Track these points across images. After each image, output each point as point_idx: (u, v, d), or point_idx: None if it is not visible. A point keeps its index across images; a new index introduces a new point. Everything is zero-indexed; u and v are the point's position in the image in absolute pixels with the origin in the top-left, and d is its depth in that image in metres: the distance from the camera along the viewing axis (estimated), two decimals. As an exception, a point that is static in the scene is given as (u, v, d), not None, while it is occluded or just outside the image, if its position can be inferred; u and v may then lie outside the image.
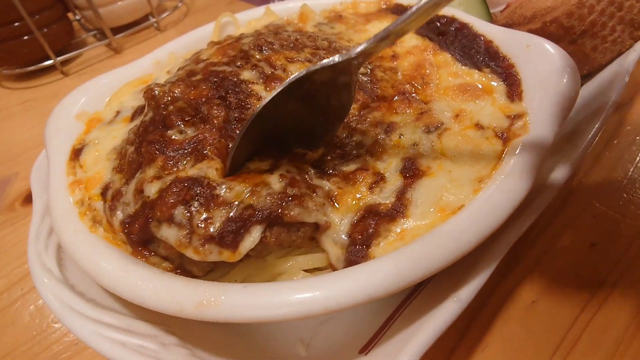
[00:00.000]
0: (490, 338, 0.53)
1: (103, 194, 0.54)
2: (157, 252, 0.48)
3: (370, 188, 0.49)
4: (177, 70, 0.63)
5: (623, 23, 0.66)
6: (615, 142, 0.72)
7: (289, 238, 0.46)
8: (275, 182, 0.47)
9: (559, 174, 0.53)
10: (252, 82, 0.58)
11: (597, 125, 0.58)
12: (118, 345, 0.44)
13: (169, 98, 0.54)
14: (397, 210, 0.46)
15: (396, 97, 0.58)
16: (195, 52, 0.70)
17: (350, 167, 0.52)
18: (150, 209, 0.46)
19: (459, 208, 0.43)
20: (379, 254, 0.44)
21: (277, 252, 0.49)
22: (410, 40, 0.68)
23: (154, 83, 0.58)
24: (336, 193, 0.50)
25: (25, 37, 1.21)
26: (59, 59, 1.27)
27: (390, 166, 0.51)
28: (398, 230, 0.45)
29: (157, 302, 0.41)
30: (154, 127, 0.52)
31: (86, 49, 1.34)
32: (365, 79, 0.62)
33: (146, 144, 0.50)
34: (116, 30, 1.35)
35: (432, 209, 0.45)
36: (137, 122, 0.60)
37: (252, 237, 0.44)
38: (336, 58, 0.46)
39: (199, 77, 0.58)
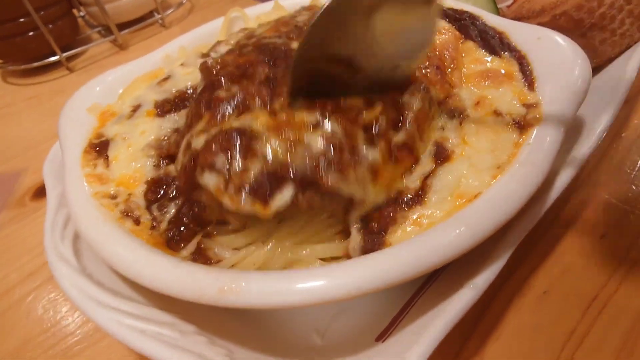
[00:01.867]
0: (503, 328, 0.53)
1: (148, 192, 0.54)
2: (200, 200, 0.49)
3: (406, 171, 0.49)
4: (231, 46, 0.66)
5: (632, 16, 0.66)
6: (623, 134, 0.73)
7: (321, 204, 0.44)
8: (317, 141, 0.44)
9: (570, 166, 0.53)
10: None
11: (606, 119, 0.59)
12: (137, 332, 0.44)
13: (220, 66, 0.55)
14: (416, 196, 0.46)
15: (429, 70, 0.57)
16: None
17: (399, 138, 0.49)
18: (195, 158, 0.46)
19: (475, 196, 0.44)
20: (395, 241, 0.45)
21: (294, 235, 0.49)
22: (440, 23, 0.67)
23: (210, 57, 0.59)
24: (379, 167, 0.46)
25: (31, 33, 1.22)
26: (65, 54, 1.27)
27: (426, 148, 0.51)
28: (415, 217, 0.45)
29: (180, 288, 0.42)
30: (205, 91, 0.53)
31: (91, 45, 1.34)
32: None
33: (194, 104, 0.52)
34: (121, 27, 1.35)
35: (449, 196, 0.46)
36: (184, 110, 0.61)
37: (284, 197, 0.43)
38: None
39: (249, 48, 0.59)
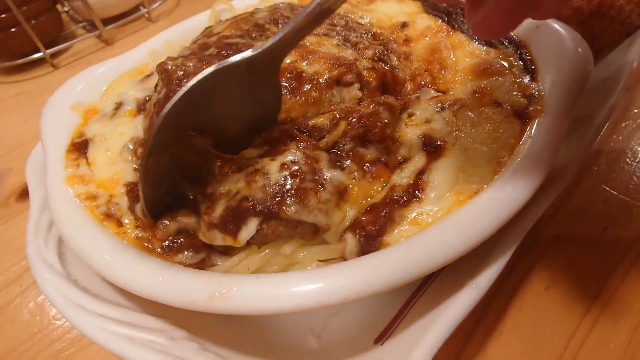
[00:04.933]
0: (505, 325, 0.52)
1: (129, 192, 0.53)
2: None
3: (387, 184, 0.47)
4: (190, 45, 0.62)
5: (632, 3, 0.64)
6: (623, 125, 0.71)
7: (287, 232, 0.45)
8: (275, 171, 0.45)
9: (572, 158, 0.52)
10: None
11: (607, 108, 0.57)
12: (125, 340, 0.43)
13: (182, 72, 0.52)
14: (412, 194, 0.44)
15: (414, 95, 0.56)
16: (201, 32, 0.68)
17: (370, 153, 0.48)
18: None
19: (476, 192, 0.42)
20: (393, 241, 0.43)
21: (292, 242, 0.47)
22: (422, 21, 0.65)
23: (168, 57, 0.56)
24: (348, 186, 0.46)
25: (13, 29, 1.18)
26: (49, 51, 1.23)
27: (409, 146, 0.50)
28: (413, 215, 0.43)
29: (168, 295, 0.40)
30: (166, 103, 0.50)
31: (76, 40, 1.31)
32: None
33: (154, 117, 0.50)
34: (106, 22, 1.31)
35: (448, 192, 0.44)
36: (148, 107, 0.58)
37: (249, 229, 0.43)
38: (247, 53, 0.44)
39: (212, 50, 0.56)
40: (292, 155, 0.46)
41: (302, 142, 0.47)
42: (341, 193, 0.45)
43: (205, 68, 0.51)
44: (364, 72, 0.55)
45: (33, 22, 1.19)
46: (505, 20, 0.35)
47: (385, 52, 0.61)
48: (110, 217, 0.50)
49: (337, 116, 0.49)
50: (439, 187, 0.44)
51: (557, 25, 0.56)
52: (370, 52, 0.58)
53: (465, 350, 0.50)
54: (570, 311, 0.52)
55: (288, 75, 0.52)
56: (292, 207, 0.43)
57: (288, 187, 0.44)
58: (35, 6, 1.19)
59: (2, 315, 0.65)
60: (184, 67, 0.53)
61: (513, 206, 0.40)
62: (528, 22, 0.59)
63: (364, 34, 0.64)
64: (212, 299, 0.39)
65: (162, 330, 0.44)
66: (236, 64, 0.44)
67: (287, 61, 0.54)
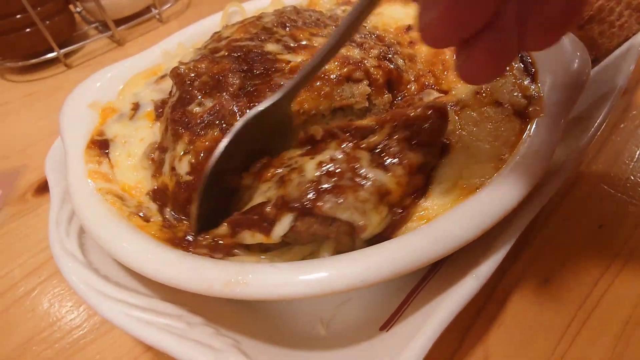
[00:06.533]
0: (505, 316, 0.54)
1: (155, 200, 0.55)
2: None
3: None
4: (201, 49, 0.64)
5: (630, 8, 0.67)
6: (622, 126, 0.74)
7: (321, 230, 0.44)
8: (311, 169, 0.45)
9: (570, 157, 0.54)
10: (278, 53, 0.58)
11: (605, 110, 0.59)
12: (145, 324, 0.45)
13: (194, 74, 0.54)
14: (423, 190, 0.47)
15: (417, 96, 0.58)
16: (210, 37, 0.71)
17: (418, 157, 0.46)
18: (186, 197, 0.48)
19: (477, 187, 0.45)
20: (400, 234, 0.45)
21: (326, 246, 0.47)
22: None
23: (179, 62, 0.59)
24: (391, 189, 0.44)
25: (28, 30, 1.21)
26: (62, 51, 1.26)
27: None
28: (421, 213, 0.46)
29: (186, 280, 0.42)
30: (180, 105, 0.54)
31: (89, 41, 1.34)
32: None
33: (171, 122, 0.52)
34: (118, 23, 1.34)
35: (452, 187, 0.46)
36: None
37: (282, 225, 0.44)
38: (265, 103, 0.47)
39: (222, 52, 0.58)
40: (331, 153, 0.46)
41: (343, 141, 0.47)
42: (382, 195, 0.44)
43: (219, 70, 0.54)
44: (371, 70, 0.58)
45: (47, 22, 1.22)
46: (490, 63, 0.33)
47: (390, 52, 0.63)
48: (137, 215, 0.52)
49: (385, 118, 0.48)
50: (444, 183, 0.46)
51: (556, 29, 0.58)
52: (375, 52, 0.61)
53: (467, 338, 0.53)
54: (567, 302, 0.54)
55: None
56: (327, 203, 0.42)
57: (324, 183, 0.43)
58: (49, 7, 1.23)
59: (22, 304, 0.67)
60: (196, 69, 0.55)
61: (512, 200, 0.42)
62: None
63: (368, 35, 0.67)
64: (229, 285, 0.41)
65: (179, 316, 0.47)
66: (260, 113, 0.47)
67: (298, 60, 0.57)
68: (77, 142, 0.61)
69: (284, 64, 0.56)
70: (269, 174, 0.47)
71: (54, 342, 0.62)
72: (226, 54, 0.58)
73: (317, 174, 0.44)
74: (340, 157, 0.45)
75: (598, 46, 0.70)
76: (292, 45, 0.59)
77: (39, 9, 1.18)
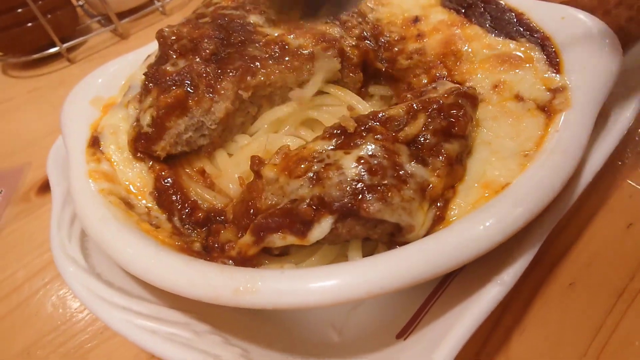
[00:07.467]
0: (527, 321, 0.51)
1: (161, 206, 0.54)
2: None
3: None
4: (190, 14, 0.67)
5: (660, -8, 0.62)
6: (648, 117, 0.70)
7: (364, 232, 0.41)
8: (351, 166, 0.41)
9: (598, 152, 0.51)
10: (259, 25, 0.61)
11: (635, 103, 0.56)
12: (149, 333, 0.43)
13: (175, 37, 0.58)
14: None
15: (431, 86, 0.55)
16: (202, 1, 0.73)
17: (454, 149, 0.44)
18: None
19: (503, 187, 0.42)
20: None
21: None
22: (436, 15, 0.65)
23: (167, 25, 0.61)
24: (432, 184, 0.41)
25: (29, 24, 1.19)
26: (65, 45, 1.24)
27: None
28: (438, 213, 0.43)
29: (193, 289, 0.40)
30: (156, 63, 0.57)
31: (91, 35, 1.31)
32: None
33: (145, 78, 0.56)
34: (121, 16, 1.32)
35: (476, 185, 0.43)
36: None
37: (322, 228, 0.40)
38: None
39: (206, 19, 0.62)
40: (369, 148, 0.42)
41: (379, 134, 0.43)
42: (424, 190, 0.42)
43: (198, 35, 0.58)
44: (347, 49, 0.59)
45: (49, 16, 1.19)
46: None
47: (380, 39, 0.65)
48: (147, 222, 0.50)
49: (415, 107, 0.45)
50: (468, 181, 0.43)
51: (582, 16, 0.55)
52: (356, 31, 0.63)
53: (487, 345, 0.50)
54: (595, 308, 0.51)
55: (273, 47, 0.57)
56: (373, 205, 0.39)
57: (368, 183, 0.40)
58: (51, 0, 1.20)
59: (27, 307, 0.66)
60: (178, 32, 0.59)
61: (542, 201, 0.39)
62: (552, 13, 0.57)
63: (355, 15, 0.67)
64: (237, 292, 0.39)
65: (186, 324, 0.45)
66: None
67: (275, 34, 0.59)
68: (78, 142, 0.58)
69: (260, 37, 0.59)
70: (300, 170, 0.42)
71: (59, 346, 0.60)
72: (209, 20, 0.62)
73: (358, 171, 0.40)
74: (380, 152, 0.42)
75: (626, 33, 0.65)
76: (273, 18, 0.62)
77: (40, 2, 1.16)
